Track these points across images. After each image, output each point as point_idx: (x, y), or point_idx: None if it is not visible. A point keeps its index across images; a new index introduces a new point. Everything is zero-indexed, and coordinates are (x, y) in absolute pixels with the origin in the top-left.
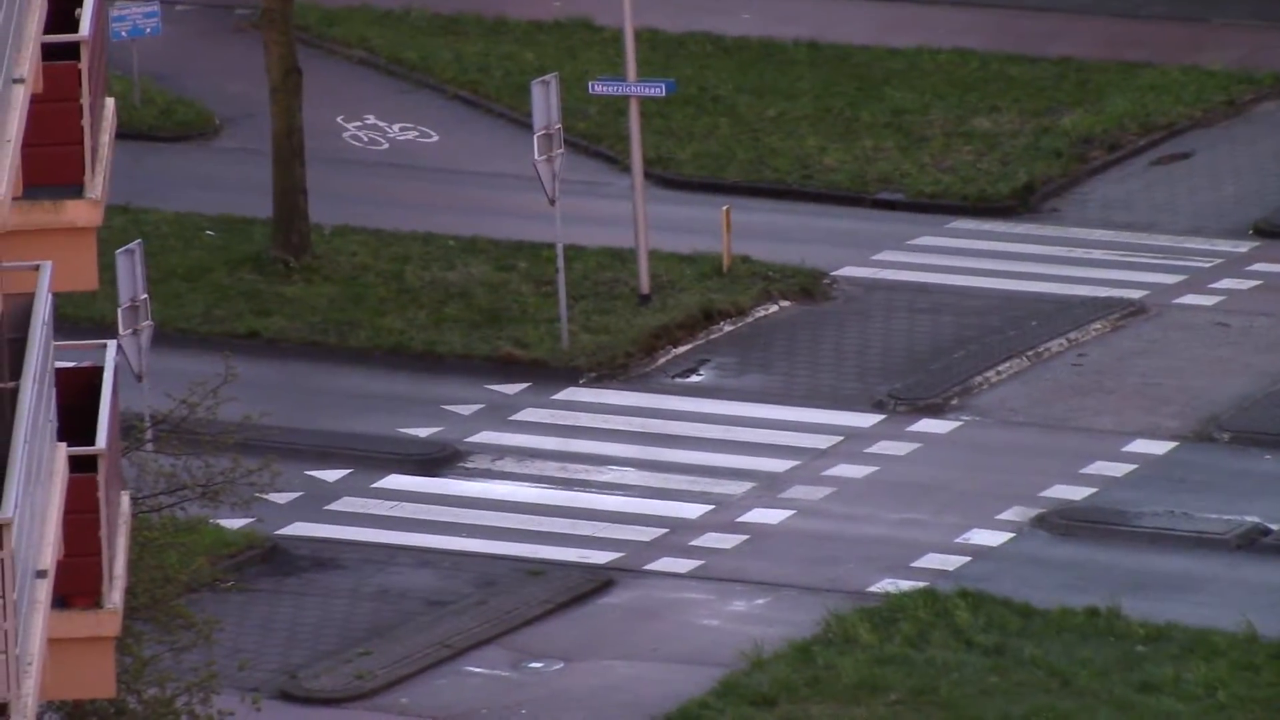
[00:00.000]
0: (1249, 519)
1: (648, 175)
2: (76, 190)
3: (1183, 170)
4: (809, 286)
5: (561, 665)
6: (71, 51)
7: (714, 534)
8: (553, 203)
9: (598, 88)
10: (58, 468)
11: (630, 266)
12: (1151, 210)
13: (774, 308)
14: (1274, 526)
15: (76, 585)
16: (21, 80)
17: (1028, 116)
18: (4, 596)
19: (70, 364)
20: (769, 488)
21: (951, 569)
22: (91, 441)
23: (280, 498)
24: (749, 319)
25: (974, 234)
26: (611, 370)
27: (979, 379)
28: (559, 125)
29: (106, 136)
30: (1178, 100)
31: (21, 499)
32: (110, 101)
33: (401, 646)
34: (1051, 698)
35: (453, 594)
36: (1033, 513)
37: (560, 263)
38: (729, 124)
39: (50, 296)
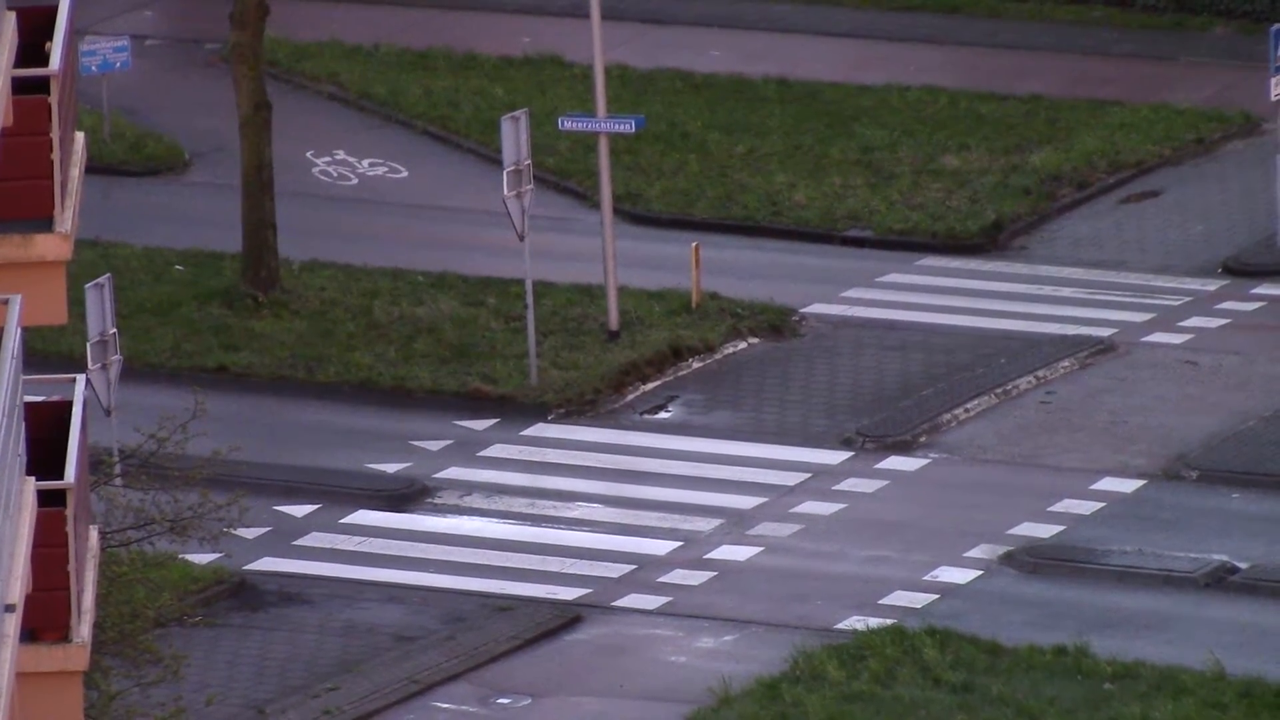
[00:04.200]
0: (1217, 557)
1: (617, 211)
2: (46, 224)
3: (1152, 208)
4: (778, 323)
5: (529, 701)
6: (41, 86)
7: (682, 570)
8: (522, 238)
9: (567, 124)
10: (26, 501)
11: (599, 303)
12: (1120, 248)
13: (743, 345)
14: (1242, 565)
15: (45, 619)
16: None
17: (997, 154)
18: None
19: (39, 398)
20: (737, 524)
21: (919, 606)
22: (60, 476)
23: (248, 533)
24: (718, 356)
25: (943, 271)
26: (580, 406)
27: (947, 416)
28: (528, 161)
29: (76, 171)
30: (1147, 138)
31: None
32: (80, 136)
33: (369, 682)
34: None
35: (420, 629)
36: (1000, 550)
37: (529, 299)
38: (698, 160)
39: (20, 330)
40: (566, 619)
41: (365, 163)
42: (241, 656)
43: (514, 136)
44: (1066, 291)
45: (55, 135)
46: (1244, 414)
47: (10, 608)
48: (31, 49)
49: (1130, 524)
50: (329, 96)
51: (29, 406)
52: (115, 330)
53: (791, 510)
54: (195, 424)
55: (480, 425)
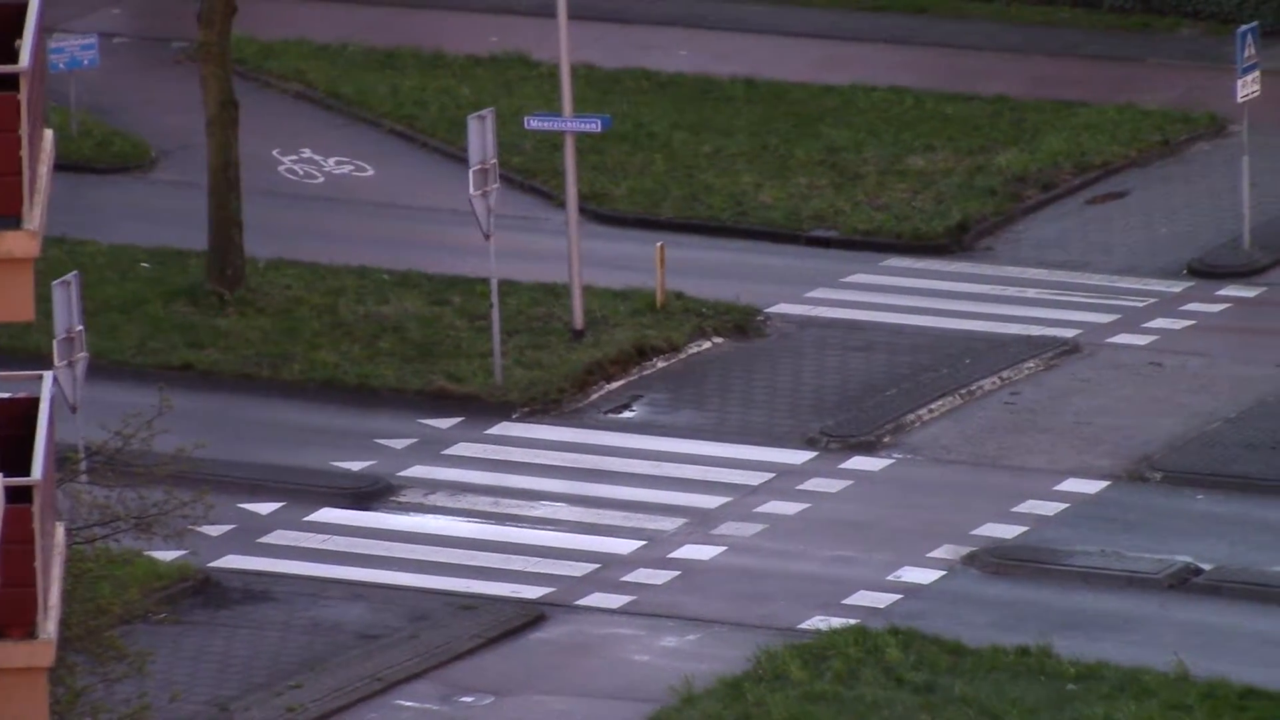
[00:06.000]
0: (1180, 559)
1: (583, 211)
2: (14, 221)
3: (1117, 210)
4: (742, 323)
5: (492, 700)
6: (10, 83)
7: (646, 570)
8: (487, 237)
9: (533, 123)
10: None
11: (564, 302)
12: (1085, 249)
13: (707, 344)
14: (1205, 566)
15: (11, 616)
16: None
17: (962, 155)
18: None
19: (6, 395)
20: (701, 524)
21: (882, 606)
22: (27, 472)
23: (213, 530)
24: (682, 355)
25: (908, 272)
26: (544, 405)
27: (911, 417)
28: (494, 160)
29: (45, 168)
30: (1113, 139)
31: None
32: (49, 133)
33: (333, 679)
34: None
35: (384, 628)
36: (964, 551)
37: (494, 297)
38: (664, 160)
39: None
40: (530, 618)
41: (331, 161)
42: (206, 654)
43: (480, 135)
44: (1031, 292)
45: (24, 132)
46: (1208, 415)
47: None
48: (1, 46)
49: (1094, 525)
50: (296, 95)
51: None
52: (82, 327)
53: (755, 510)
54: (160, 421)
55: (444, 424)
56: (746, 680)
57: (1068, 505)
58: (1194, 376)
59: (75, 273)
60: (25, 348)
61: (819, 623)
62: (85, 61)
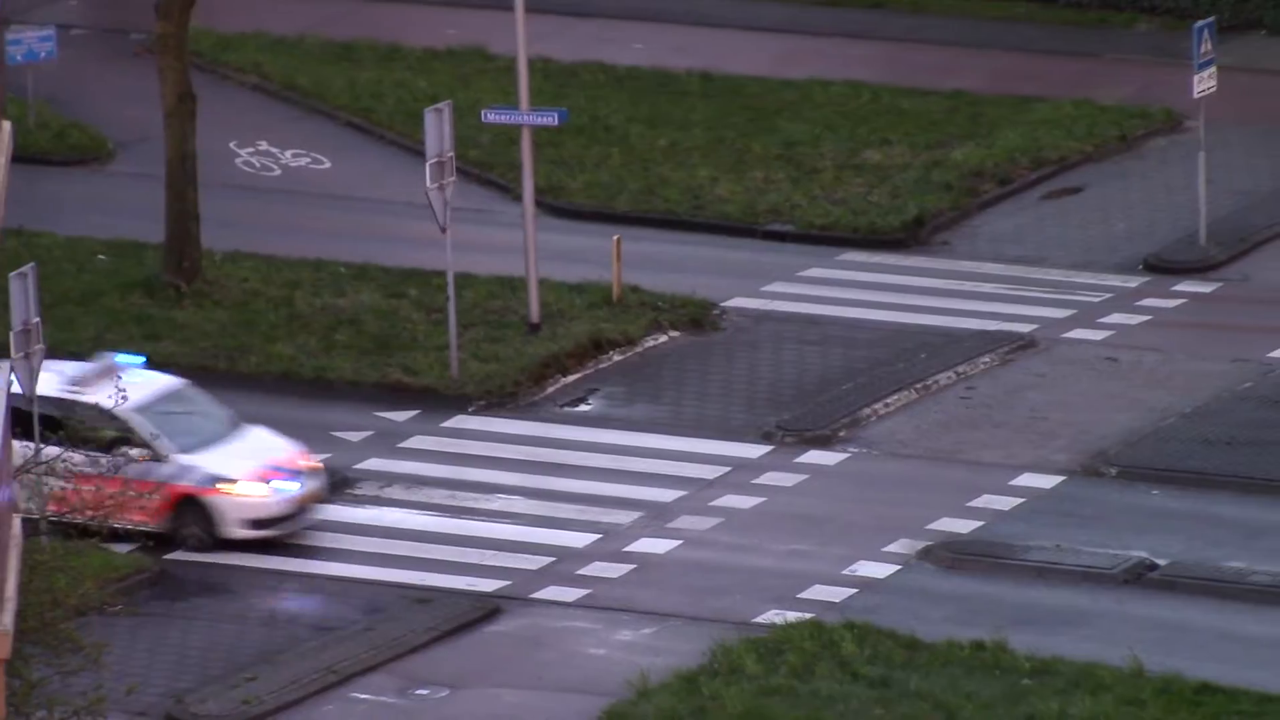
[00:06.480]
0: (1136, 554)
1: (539, 204)
2: None
3: (1074, 205)
4: (698, 317)
5: (448, 693)
6: None
7: (601, 563)
8: (444, 230)
9: (490, 116)
10: None
11: (520, 295)
12: (1042, 244)
13: (663, 338)
14: (1160, 561)
15: None
16: None
17: (919, 149)
18: None
19: None
20: (656, 517)
21: (838, 600)
22: None
23: None
24: (638, 349)
25: (864, 266)
26: (500, 398)
27: (867, 411)
28: (451, 153)
29: (2, 159)
30: (1069, 135)
31: None
32: (6, 125)
33: (288, 672)
34: None
35: (340, 620)
36: (920, 545)
37: (451, 290)
38: (621, 154)
39: None
40: (485, 611)
41: (288, 154)
42: (161, 646)
43: (437, 128)
44: (988, 287)
45: None
46: (1163, 411)
47: None
48: None
49: (1049, 520)
50: (253, 87)
51: None
52: (38, 319)
53: (711, 504)
54: None
55: (401, 417)
56: (702, 674)
57: (1023, 500)
58: (1150, 372)
59: (32, 264)
60: None
61: (774, 617)
62: (43, 53)
